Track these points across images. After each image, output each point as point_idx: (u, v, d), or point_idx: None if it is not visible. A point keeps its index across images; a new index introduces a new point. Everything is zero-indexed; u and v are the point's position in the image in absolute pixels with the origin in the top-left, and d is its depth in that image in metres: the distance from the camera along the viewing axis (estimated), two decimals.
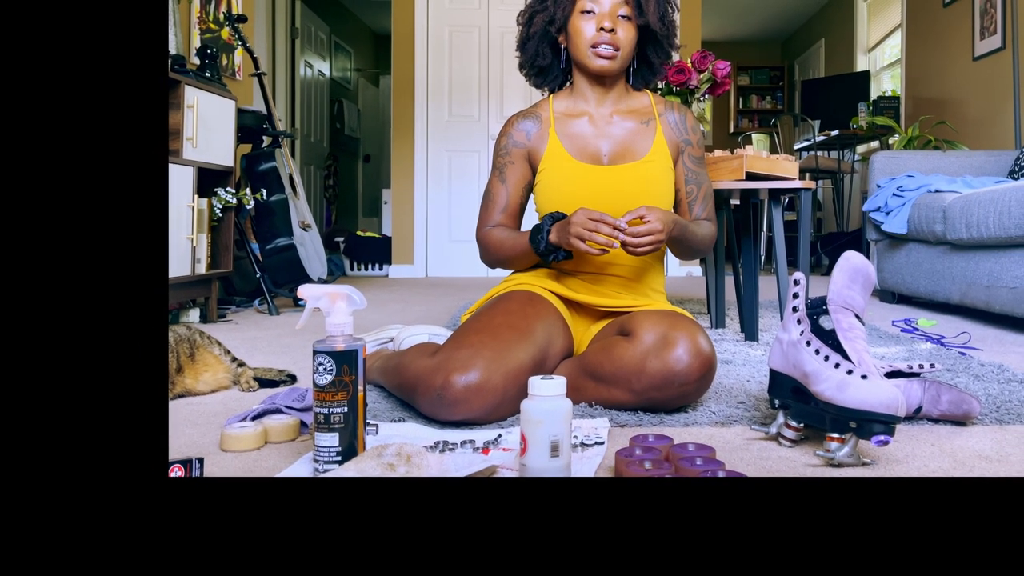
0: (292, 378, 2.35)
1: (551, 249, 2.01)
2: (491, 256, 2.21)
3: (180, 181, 3.48)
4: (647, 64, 2.24)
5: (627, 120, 2.18)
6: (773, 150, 9.87)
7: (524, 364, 1.85)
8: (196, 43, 4.63)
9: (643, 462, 1.43)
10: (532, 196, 2.24)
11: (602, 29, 2.06)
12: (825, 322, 1.61)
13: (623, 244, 1.88)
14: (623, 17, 2.07)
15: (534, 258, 2.10)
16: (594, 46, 2.08)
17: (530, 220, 2.26)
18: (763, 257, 7.39)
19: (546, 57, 2.22)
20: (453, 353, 1.82)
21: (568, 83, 2.26)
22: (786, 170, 3.15)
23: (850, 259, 1.61)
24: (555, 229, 1.98)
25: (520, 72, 2.30)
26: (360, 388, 1.45)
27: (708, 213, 2.22)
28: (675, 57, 2.28)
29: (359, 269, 7.51)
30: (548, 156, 2.17)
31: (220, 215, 3.90)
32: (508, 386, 1.80)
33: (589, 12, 2.08)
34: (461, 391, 1.76)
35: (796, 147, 8.23)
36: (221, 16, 4.96)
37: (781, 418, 1.70)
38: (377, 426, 1.76)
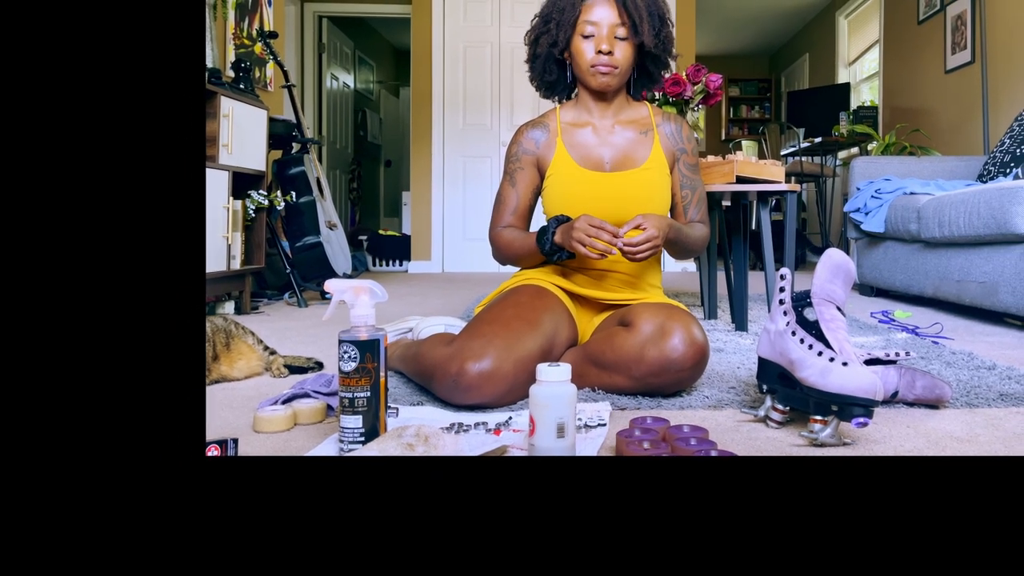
0: (319, 365, 2.35)
1: (555, 249, 2.02)
2: (502, 254, 2.22)
3: (216, 184, 3.48)
4: (646, 75, 2.24)
5: (627, 130, 2.19)
6: (761, 156, 9.86)
7: (532, 353, 1.85)
8: (231, 57, 4.63)
9: (642, 442, 1.43)
10: (540, 199, 2.25)
11: (600, 52, 2.06)
12: (809, 313, 1.61)
13: (622, 252, 1.89)
14: (620, 38, 2.07)
15: (540, 257, 2.10)
16: (593, 66, 2.09)
17: (538, 221, 2.27)
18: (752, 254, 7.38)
19: (552, 73, 2.23)
20: (467, 343, 1.82)
21: (575, 93, 2.26)
22: (773, 174, 3.15)
23: (832, 256, 1.61)
24: (560, 231, 1.99)
25: (531, 84, 2.31)
26: (382, 374, 1.45)
27: (702, 216, 2.23)
28: (672, 67, 2.27)
29: (381, 265, 7.51)
30: (555, 163, 2.17)
31: (253, 215, 3.91)
32: (518, 373, 1.80)
33: (589, 36, 2.08)
34: (475, 377, 1.76)
35: (782, 153, 8.21)
36: (254, 32, 4.96)
37: (769, 402, 1.70)
38: (397, 409, 1.77)
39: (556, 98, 2.30)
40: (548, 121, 2.24)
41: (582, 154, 2.17)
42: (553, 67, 2.22)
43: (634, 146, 2.17)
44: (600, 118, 2.20)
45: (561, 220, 2.03)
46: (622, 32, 2.07)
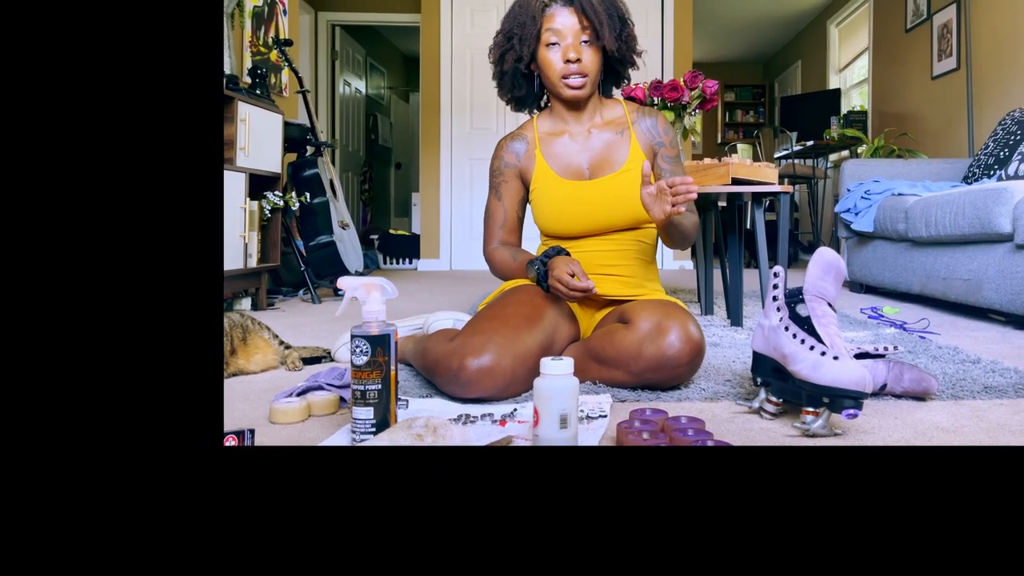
0: (328, 353, 2.36)
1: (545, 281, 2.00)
2: (497, 274, 2.19)
3: (234, 186, 3.48)
4: (614, 75, 2.20)
5: (604, 132, 2.15)
6: (756, 158, 9.83)
7: (532, 349, 1.84)
8: (248, 64, 4.63)
9: (641, 433, 1.43)
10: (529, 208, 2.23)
11: (568, 61, 2.02)
12: (801, 309, 1.60)
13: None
14: (585, 43, 2.03)
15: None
16: (564, 77, 2.04)
17: (530, 230, 2.26)
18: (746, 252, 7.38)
19: (521, 88, 2.19)
20: (468, 339, 1.81)
21: (546, 103, 2.24)
22: (767, 176, 3.14)
23: (823, 254, 1.60)
24: (548, 268, 1.96)
25: (502, 100, 2.26)
26: (392, 367, 1.45)
27: (688, 206, 2.16)
28: (639, 64, 2.21)
29: (391, 263, 7.51)
30: (537, 175, 2.14)
31: (269, 215, 3.91)
32: (516, 368, 1.80)
33: (554, 44, 2.03)
34: (474, 373, 1.76)
35: (776, 155, 8.20)
36: (270, 40, 4.96)
37: (763, 394, 1.69)
38: (407, 401, 1.77)
39: (528, 111, 2.27)
40: (526, 132, 2.20)
41: (561, 164, 2.14)
42: (521, 81, 2.18)
43: (611, 148, 2.13)
44: (575, 124, 2.16)
45: (551, 254, 2.00)
46: (586, 36, 2.02)
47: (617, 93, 2.33)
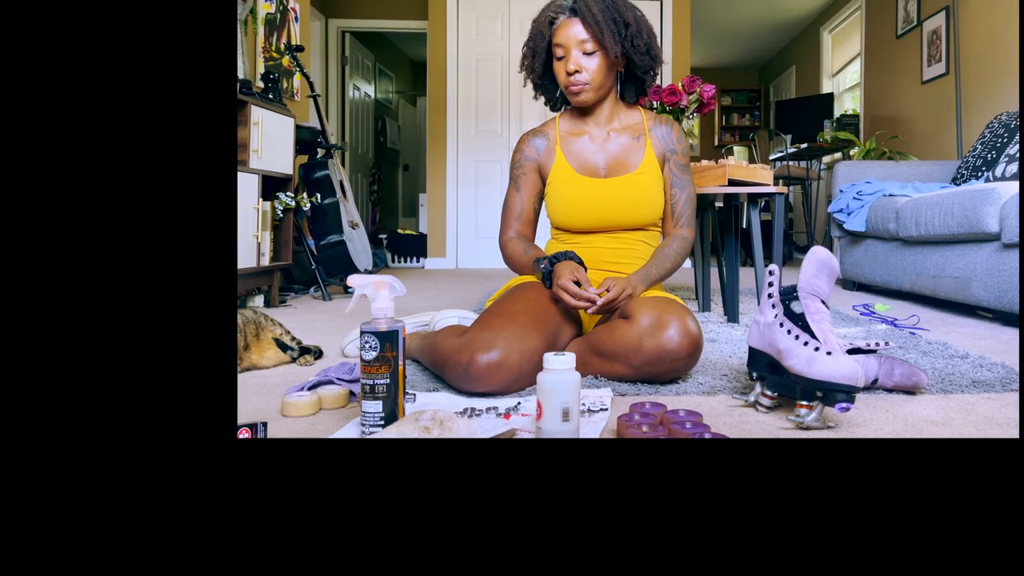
0: (313, 351, 2.31)
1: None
2: (508, 264, 2.22)
3: (247, 187, 3.48)
4: (633, 78, 2.22)
5: (621, 136, 2.18)
6: (751, 160, 9.83)
7: (538, 345, 1.84)
8: (261, 69, 4.63)
9: (641, 425, 1.43)
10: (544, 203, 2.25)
11: (568, 73, 2.07)
12: (796, 307, 1.60)
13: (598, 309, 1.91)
14: (589, 52, 2.05)
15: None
16: (566, 87, 2.10)
17: (543, 226, 2.26)
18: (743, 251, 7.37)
19: (551, 92, 2.25)
20: (478, 335, 1.81)
21: None
22: (762, 177, 3.14)
23: (817, 253, 1.60)
24: (554, 270, 1.99)
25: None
26: (400, 363, 1.45)
27: (688, 216, 2.20)
28: (659, 65, 2.24)
29: (399, 261, 7.51)
30: (555, 170, 2.17)
31: (281, 215, 3.91)
32: (524, 363, 1.80)
33: (560, 58, 2.09)
34: (483, 368, 1.76)
35: (771, 157, 8.19)
36: (282, 46, 4.96)
37: (758, 388, 1.69)
38: (415, 395, 1.76)
39: (564, 108, 2.30)
40: (548, 130, 2.24)
41: (579, 160, 2.17)
42: (550, 86, 2.23)
43: (628, 151, 2.16)
44: (594, 126, 2.20)
45: (559, 258, 2.02)
46: (590, 47, 2.05)
47: None
